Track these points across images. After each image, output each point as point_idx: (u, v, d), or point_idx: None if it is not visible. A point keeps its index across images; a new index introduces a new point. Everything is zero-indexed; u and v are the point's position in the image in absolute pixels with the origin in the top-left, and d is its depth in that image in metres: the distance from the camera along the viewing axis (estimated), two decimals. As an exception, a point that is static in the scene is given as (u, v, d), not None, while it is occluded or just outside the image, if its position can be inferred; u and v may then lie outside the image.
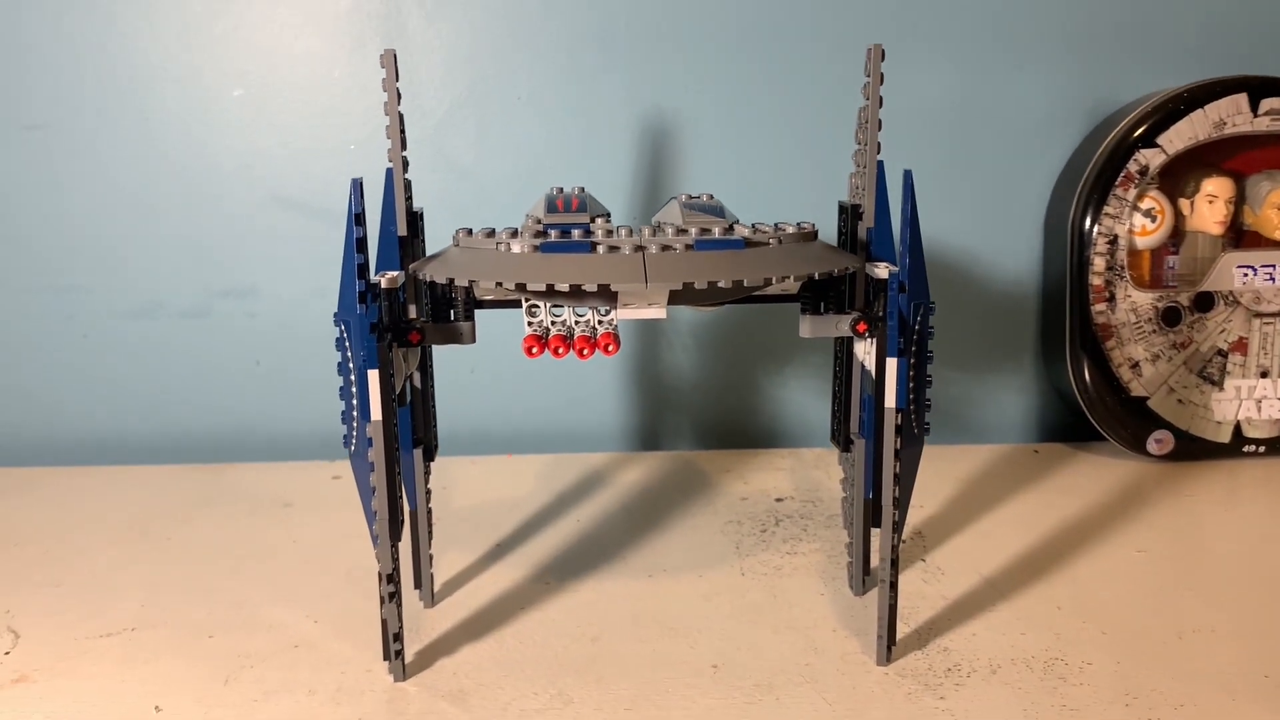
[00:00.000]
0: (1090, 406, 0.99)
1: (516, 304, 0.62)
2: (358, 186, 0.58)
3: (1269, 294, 0.98)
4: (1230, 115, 0.95)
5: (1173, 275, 0.99)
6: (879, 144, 0.66)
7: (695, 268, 0.57)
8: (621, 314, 0.60)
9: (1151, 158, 0.95)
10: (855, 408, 0.70)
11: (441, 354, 0.74)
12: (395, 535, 0.61)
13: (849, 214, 0.70)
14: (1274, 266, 0.98)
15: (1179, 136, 0.95)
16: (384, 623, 0.61)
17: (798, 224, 0.64)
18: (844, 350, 0.72)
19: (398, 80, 0.63)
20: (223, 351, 1.06)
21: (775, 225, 0.64)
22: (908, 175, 0.62)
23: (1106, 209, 0.96)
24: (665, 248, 0.58)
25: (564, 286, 0.56)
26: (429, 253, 0.66)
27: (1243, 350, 0.99)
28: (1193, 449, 0.99)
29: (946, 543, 0.81)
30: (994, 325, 1.08)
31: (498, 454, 1.04)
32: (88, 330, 1.05)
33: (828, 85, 1.02)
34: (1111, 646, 0.65)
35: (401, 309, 0.65)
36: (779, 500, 0.91)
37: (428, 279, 0.61)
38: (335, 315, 0.60)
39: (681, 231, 0.61)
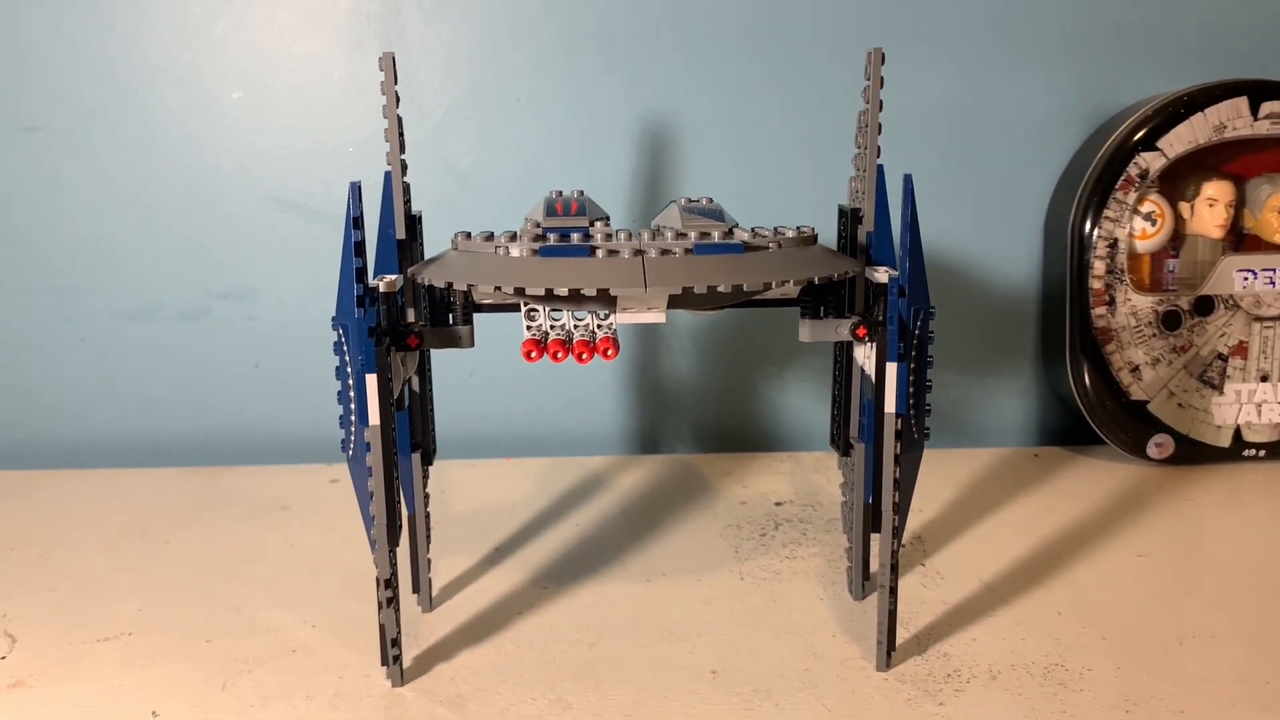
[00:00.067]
0: (1090, 410, 0.98)
1: (515, 308, 0.62)
2: (356, 190, 0.57)
3: (1269, 298, 0.98)
4: (1230, 119, 0.95)
5: (1173, 279, 0.99)
6: (879, 147, 0.66)
7: (694, 272, 0.57)
8: (620, 318, 0.60)
9: (1152, 161, 0.95)
10: (855, 412, 0.70)
11: (440, 357, 0.73)
12: (393, 540, 0.60)
13: (849, 218, 0.70)
14: (1274, 270, 0.97)
15: (1179, 140, 0.95)
16: (382, 628, 0.61)
17: (797, 228, 0.64)
18: (844, 354, 0.72)
19: (396, 83, 0.63)
20: (221, 354, 1.06)
21: (775, 229, 0.64)
22: (908, 179, 0.62)
23: (1106, 212, 0.96)
24: (664, 252, 0.58)
25: (563, 291, 0.56)
26: (428, 256, 0.66)
27: (1243, 354, 0.99)
28: (1193, 453, 0.99)
29: (946, 547, 0.81)
30: (994, 328, 1.08)
31: (496, 457, 1.04)
32: (86, 332, 1.05)
33: (827, 88, 1.02)
34: (1112, 652, 0.65)
35: (400, 313, 0.65)
36: (778, 504, 0.90)
37: (426, 283, 0.60)
38: (333, 319, 0.60)
39: (681, 235, 0.60)
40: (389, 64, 0.63)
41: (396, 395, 0.63)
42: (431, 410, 0.72)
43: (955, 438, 1.09)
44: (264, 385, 1.06)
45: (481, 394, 1.06)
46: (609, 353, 0.59)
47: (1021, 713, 0.58)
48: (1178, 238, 0.99)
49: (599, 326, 0.61)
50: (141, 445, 1.07)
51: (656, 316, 0.61)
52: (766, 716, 0.58)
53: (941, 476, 0.95)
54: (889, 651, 0.63)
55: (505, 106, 1.02)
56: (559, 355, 0.59)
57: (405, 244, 0.65)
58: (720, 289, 0.56)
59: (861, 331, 0.64)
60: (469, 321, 0.67)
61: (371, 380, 0.57)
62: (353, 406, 0.59)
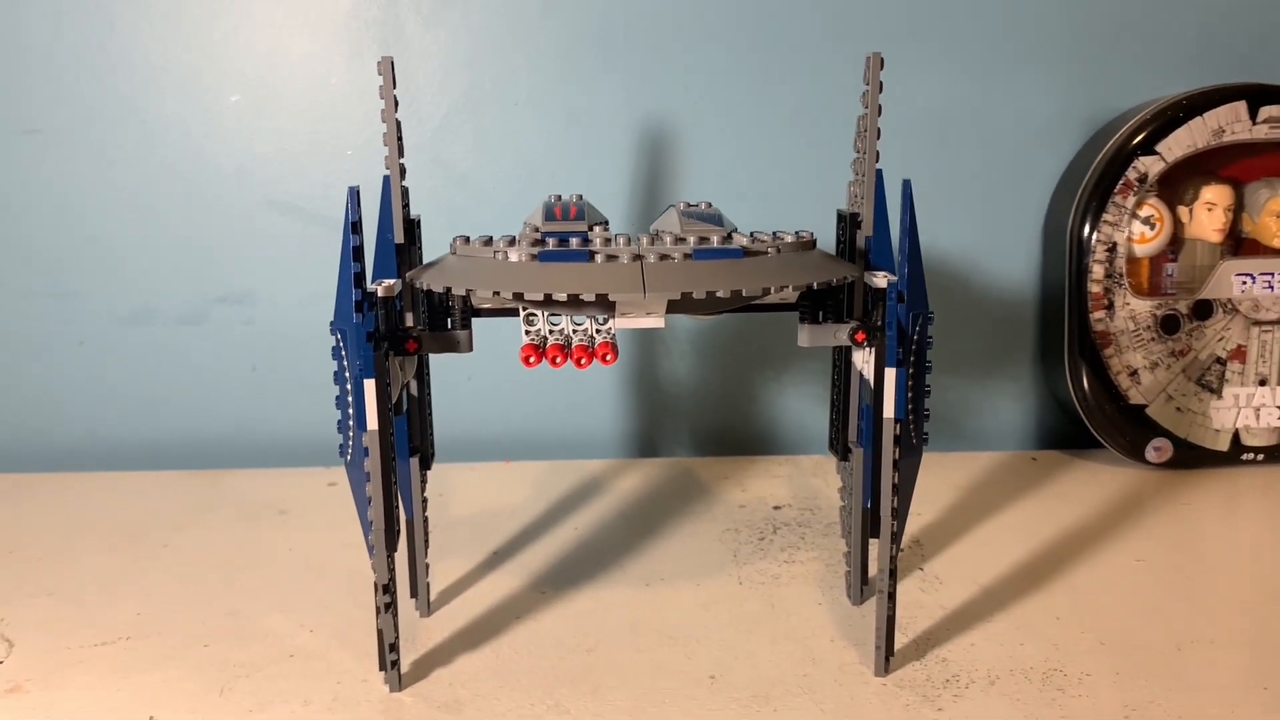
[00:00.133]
0: (1089, 414, 0.98)
1: (514, 312, 0.62)
2: (354, 195, 0.57)
3: (1267, 302, 0.98)
4: (1229, 123, 0.95)
5: (1171, 283, 0.99)
6: (878, 152, 0.66)
7: (693, 277, 0.57)
8: (619, 323, 0.60)
9: (1150, 165, 0.95)
10: (853, 416, 0.70)
11: (439, 360, 0.73)
12: (391, 545, 0.60)
13: (847, 222, 0.70)
14: (1272, 274, 0.97)
15: (1178, 144, 0.95)
16: (380, 633, 0.61)
17: (796, 232, 0.64)
18: (842, 359, 0.72)
19: (395, 87, 0.63)
20: (219, 357, 1.05)
21: (774, 234, 0.64)
22: (906, 184, 0.62)
23: (1105, 216, 0.96)
24: (663, 257, 0.58)
25: (562, 296, 0.56)
26: (426, 260, 0.66)
27: (1241, 358, 0.99)
28: (1191, 457, 0.99)
29: (945, 551, 0.81)
30: (992, 332, 1.08)
31: (495, 460, 1.04)
32: (84, 335, 1.05)
33: (827, 92, 1.02)
34: (1110, 657, 0.65)
35: (398, 317, 0.65)
36: (777, 508, 0.90)
37: (425, 287, 0.60)
38: (332, 324, 0.60)
39: (680, 240, 0.60)
40: (387, 68, 0.63)
41: (395, 400, 0.63)
42: (430, 414, 0.72)
43: (954, 441, 1.09)
44: (262, 388, 1.06)
45: (480, 397, 1.06)
46: (607, 358, 0.59)
47: (1020, 718, 0.58)
48: (1176, 242, 0.99)
49: (598, 331, 0.61)
50: (139, 448, 1.06)
51: (655, 321, 0.61)
52: (765, 722, 0.58)
53: (940, 480, 0.95)
54: (887, 657, 0.63)
55: (504, 110, 1.02)
56: (557, 360, 0.59)
57: (404, 248, 0.65)
58: (719, 294, 0.56)
59: (860, 336, 0.64)
60: (467, 326, 0.67)
61: (370, 385, 0.57)
62: (351, 411, 0.59)
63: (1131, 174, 0.95)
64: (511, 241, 0.60)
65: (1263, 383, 0.99)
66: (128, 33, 0.99)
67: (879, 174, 0.66)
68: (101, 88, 1.00)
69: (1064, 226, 0.98)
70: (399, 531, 0.62)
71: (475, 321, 0.67)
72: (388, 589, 0.60)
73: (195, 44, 1.00)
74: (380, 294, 0.60)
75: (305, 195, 1.03)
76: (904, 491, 0.62)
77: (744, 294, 0.57)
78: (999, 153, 1.04)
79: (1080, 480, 0.97)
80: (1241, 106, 0.95)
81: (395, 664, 0.61)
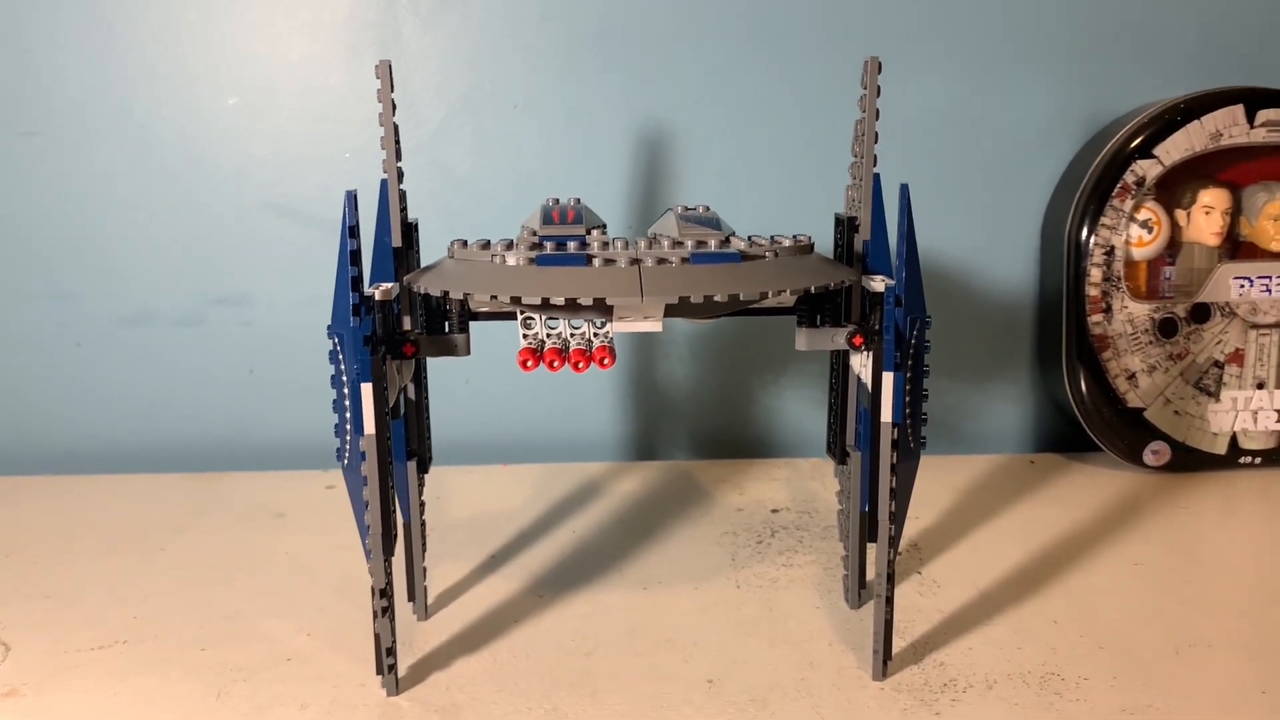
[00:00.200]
0: (1086, 417, 0.98)
1: (512, 315, 0.62)
2: (352, 199, 0.57)
3: (1265, 305, 0.98)
4: (1227, 126, 0.95)
5: (1169, 286, 0.99)
6: (875, 156, 0.66)
7: (691, 281, 0.57)
8: (617, 327, 0.60)
9: (1148, 169, 0.95)
10: (851, 420, 0.70)
11: (437, 363, 0.73)
12: (388, 549, 0.60)
13: (845, 226, 0.70)
14: (1270, 278, 0.98)
15: (1175, 147, 0.95)
16: (377, 637, 0.61)
17: (794, 236, 0.64)
18: (840, 362, 0.72)
19: (393, 90, 0.63)
20: (217, 359, 1.05)
21: (771, 238, 0.64)
22: (904, 188, 0.62)
23: (1103, 220, 0.96)
24: (661, 261, 0.58)
25: (559, 300, 0.56)
26: (424, 263, 0.66)
27: (1239, 361, 0.99)
28: (1189, 460, 0.99)
29: (942, 555, 0.81)
30: (990, 336, 1.08)
31: (493, 463, 1.04)
32: (81, 338, 1.05)
33: (824, 95, 1.02)
34: (1108, 661, 0.65)
35: (396, 321, 0.65)
36: (775, 511, 0.90)
37: (422, 291, 0.60)
38: (329, 328, 0.60)
39: (677, 244, 0.60)
40: (385, 72, 0.63)
41: (392, 403, 0.63)
42: (427, 418, 0.72)
43: (952, 444, 1.09)
44: (260, 391, 1.06)
45: (478, 400, 1.06)
46: (605, 361, 0.59)
47: (1018, 723, 0.58)
48: (1174, 245, 0.99)
49: (595, 335, 0.61)
50: (136, 451, 1.06)
51: (653, 325, 0.60)
52: (762, 726, 0.58)
53: (938, 483, 0.95)
54: (885, 661, 0.63)
55: (502, 113, 1.02)
56: (555, 364, 0.59)
57: (401, 252, 0.65)
58: (716, 298, 0.56)
59: (858, 340, 0.64)
60: (465, 330, 0.67)
61: (367, 389, 0.57)
62: (348, 415, 0.59)
63: (1129, 177, 0.95)
64: (509, 245, 0.60)
65: (1260, 386, 0.99)
66: (125, 34, 0.99)
67: (876, 178, 0.66)
68: (99, 89, 1.00)
69: (1062, 230, 0.98)
70: (396, 535, 0.62)
71: (473, 325, 0.67)
72: (385, 593, 0.60)
73: (193, 46, 1.00)
74: (378, 298, 0.60)
75: (303, 198, 1.02)
76: (902, 495, 0.62)
77: (741, 298, 0.57)
78: (997, 156, 1.04)
79: (1078, 484, 0.97)
80: (1239, 110, 0.95)
81: (392, 668, 0.61)
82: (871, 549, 0.65)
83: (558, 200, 0.66)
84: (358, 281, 0.57)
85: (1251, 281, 0.98)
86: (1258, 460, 0.99)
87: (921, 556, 0.80)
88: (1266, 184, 0.98)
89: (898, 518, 0.62)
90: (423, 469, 0.71)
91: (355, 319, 0.57)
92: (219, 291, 1.04)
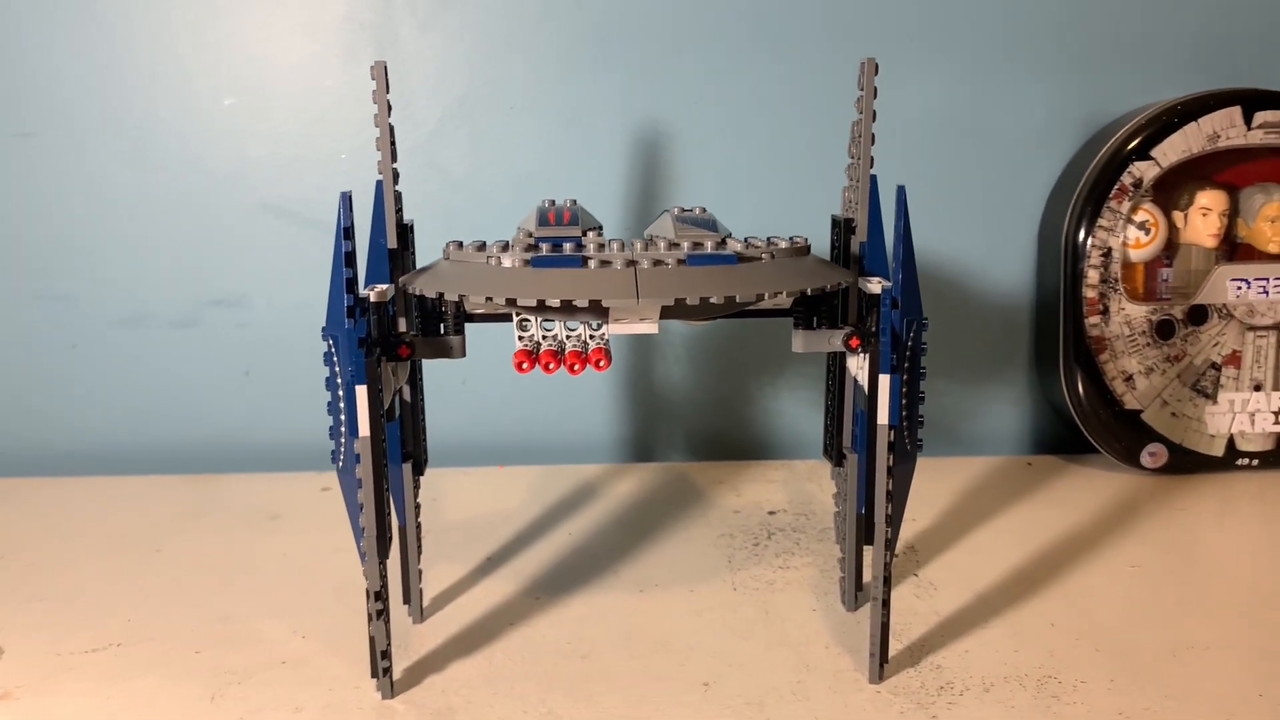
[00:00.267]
0: (1084, 419, 0.98)
1: (508, 317, 0.62)
2: (347, 200, 0.57)
3: (1262, 307, 0.98)
4: (1224, 128, 0.95)
5: (1166, 288, 0.99)
6: (872, 157, 0.66)
7: (687, 283, 0.57)
8: (613, 329, 0.60)
9: (1145, 170, 0.95)
10: (848, 422, 0.70)
11: (433, 365, 0.73)
12: (383, 552, 0.60)
13: (842, 228, 0.70)
14: (1267, 280, 0.97)
15: (1173, 149, 0.95)
16: (372, 640, 0.61)
17: (790, 238, 0.64)
18: (837, 364, 0.72)
19: (388, 91, 0.63)
20: (212, 361, 1.05)
21: (768, 239, 0.64)
22: (900, 190, 0.62)
23: (1100, 221, 0.96)
24: (657, 262, 0.58)
25: (555, 302, 0.56)
26: (419, 265, 0.66)
27: (1236, 363, 0.99)
28: (1186, 462, 0.99)
29: (939, 557, 0.81)
30: (987, 337, 1.08)
31: (489, 465, 1.03)
32: (77, 339, 1.04)
33: (823, 97, 1.02)
34: (1105, 664, 0.64)
35: (391, 322, 0.65)
36: (771, 513, 0.90)
37: (417, 293, 0.60)
38: (323, 330, 0.59)
39: (674, 246, 0.60)
40: (380, 73, 0.63)
41: (387, 406, 0.63)
42: (423, 420, 0.72)
43: (949, 446, 1.09)
44: (255, 393, 1.06)
45: (474, 402, 1.06)
46: (601, 363, 0.59)
47: (1015, 726, 0.58)
48: (1171, 247, 0.99)
49: (591, 337, 0.60)
50: (132, 453, 1.06)
51: (649, 327, 0.60)
52: (759, 729, 0.58)
53: (935, 485, 0.95)
54: (882, 664, 0.63)
55: (498, 114, 1.02)
56: (551, 366, 0.59)
57: (397, 253, 0.65)
58: (713, 300, 0.56)
59: (854, 342, 0.64)
60: (461, 331, 0.67)
61: (361, 392, 0.57)
62: (343, 418, 0.59)
63: (1127, 179, 0.95)
64: (505, 247, 0.60)
65: (1258, 388, 0.99)
66: (121, 35, 0.99)
67: (873, 179, 0.66)
68: (94, 90, 1.00)
69: (1059, 231, 0.98)
70: (392, 538, 0.62)
71: (468, 327, 0.67)
72: (380, 596, 0.60)
73: (190, 47, 0.99)
74: (373, 299, 0.60)
75: (299, 199, 1.02)
76: (898, 497, 0.62)
77: (737, 300, 0.57)
78: (994, 157, 1.04)
79: (1075, 485, 0.97)
80: (1236, 112, 0.95)
81: (387, 671, 0.61)
82: (868, 551, 0.65)
83: (553, 201, 0.66)
84: (352, 283, 0.57)
85: (1249, 283, 0.98)
86: (1255, 462, 0.99)
87: (918, 559, 0.80)
88: (1264, 186, 0.98)
89: (894, 520, 0.62)
90: (418, 471, 0.71)
91: (350, 321, 0.56)
92: (215, 293, 1.04)
